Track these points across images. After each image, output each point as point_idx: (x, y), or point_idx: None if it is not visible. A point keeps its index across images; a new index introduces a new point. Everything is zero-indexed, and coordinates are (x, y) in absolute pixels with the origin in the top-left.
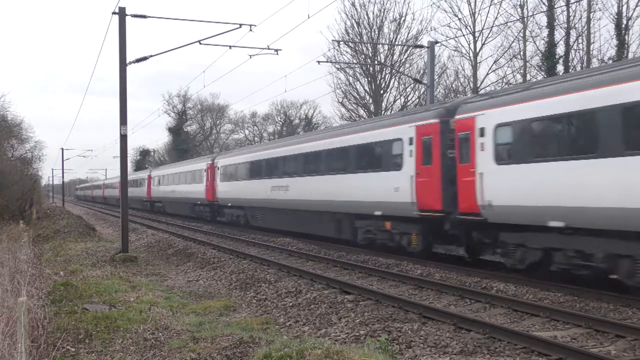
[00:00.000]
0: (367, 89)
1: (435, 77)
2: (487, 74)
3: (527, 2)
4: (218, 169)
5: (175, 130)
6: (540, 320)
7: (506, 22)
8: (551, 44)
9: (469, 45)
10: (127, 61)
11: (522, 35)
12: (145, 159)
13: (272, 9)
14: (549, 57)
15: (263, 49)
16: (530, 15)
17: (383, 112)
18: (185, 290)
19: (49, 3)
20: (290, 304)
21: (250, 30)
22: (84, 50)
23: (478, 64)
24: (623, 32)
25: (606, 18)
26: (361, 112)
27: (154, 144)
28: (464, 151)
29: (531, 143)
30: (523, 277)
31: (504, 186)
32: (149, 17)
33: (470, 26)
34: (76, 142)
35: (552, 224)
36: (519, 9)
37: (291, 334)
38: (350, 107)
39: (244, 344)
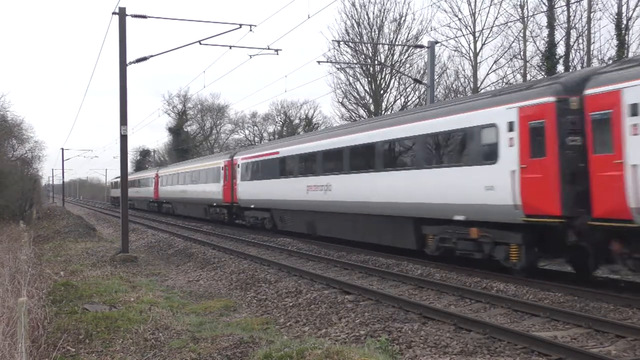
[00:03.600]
0: (367, 89)
1: (436, 77)
2: (487, 74)
3: (527, 2)
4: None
5: (175, 130)
6: (540, 320)
7: (506, 22)
8: (551, 44)
9: (469, 45)
10: (127, 61)
11: (522, 35)
12: (145, 159)
13: (272, 9)
14: (549, 57)
15: (263, 49)
16: (530, 15)
17: (383, 112)
18: (186, 290)
19: (49, 3)
20: (291, 304)
21: (250, 30)
22: (84, 50)
23: (478, 64)
24: (623, 32)
25: (606, 18)
26: (361, 112)
27: (154, 144)
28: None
29: None
30: (523, 277)
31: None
32: (149, 17)
33: (470, 26)
34: (76, 142)
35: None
36: (519, 9)
37: (291, 334)
38: (351, 107)
39: (244, 344)
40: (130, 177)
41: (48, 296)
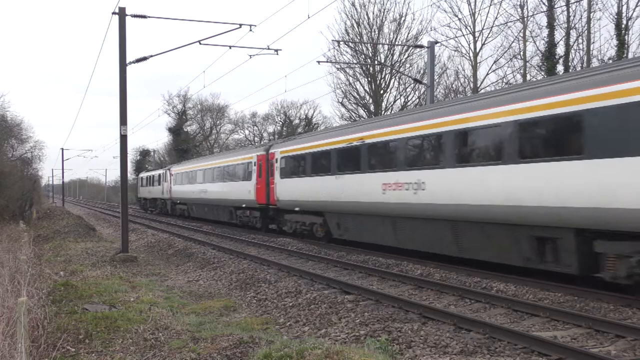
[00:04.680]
0: (367, 89)
1: (435, 77)
2: (487, 74)
3: (527, 2)
4: None
5: (175, 130)
6: (540, 320)
7: (506, 22)
8: (551, 44)
9: (469, 45)
10: (127, 61)
11: (522, 35)
12: (145, 159)
13: (272, 9)
14: (549, 57)
15: (263, 49)
16: (530, 15)
17: (383, 112)
18: (185, 290)
19: (49, 3)
20: (290, 304)
21: (250, 30)
22: (84, 50)
23: (478, 64)
24: (623, 32)
25: (606, 18)
26: (361, 112)
27: (154, 144)
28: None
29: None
30: (523, 277)
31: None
32: (149, 17)
33: (470, 26)
34: (76, 142)
35: (297, 209)
36: (519, 9)
37: (291, 334)
38: (350, 107)
39: (244, 344)
40: (180, 169)
41: (48, 296)
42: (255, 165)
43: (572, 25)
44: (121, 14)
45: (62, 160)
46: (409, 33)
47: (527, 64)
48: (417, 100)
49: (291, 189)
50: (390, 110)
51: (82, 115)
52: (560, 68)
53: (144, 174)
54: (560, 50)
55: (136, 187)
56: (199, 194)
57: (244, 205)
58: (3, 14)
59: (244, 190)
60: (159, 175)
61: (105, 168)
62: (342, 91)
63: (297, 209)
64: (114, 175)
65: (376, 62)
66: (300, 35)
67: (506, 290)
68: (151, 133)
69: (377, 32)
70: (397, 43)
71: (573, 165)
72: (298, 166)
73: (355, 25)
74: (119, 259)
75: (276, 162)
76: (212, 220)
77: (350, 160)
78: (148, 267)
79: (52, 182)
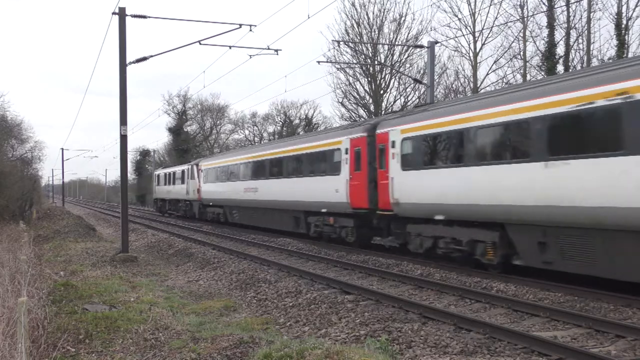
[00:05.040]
0: (367, 89)
1: (435, 77)
2: (487, 74)
3: (527, 2)
4: None
5: (175, 131)
6: (540, 320)
7: (506, 22)
8: (551, 44)
9: (469, 45)
10: (127, 61)
11: (522, 35)
12: (145, 159)
13: (272, 9)
14: (549, 57)
15: (263, 49)
16: (530, 15)
17: (383, 112)
18: (186, 290)
19: (49, 3)
20: (291, 304)
21: (250, 30)
22: (84, 50)
23: (478, 64)
24: (623, 32)
25: (606, 18)
26: (361, 112)
27: (154, 144)
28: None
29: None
30: (523, 277)
31: None
32: (149, 17)
33: (470, 26)
34: (76, 142)
35: (438, 217)
36: (519, 9)
37: (291, 334)
38: (350, 107)
39: (244, 344)
40: (213, 163)
41: (48, 296)
42: (347, 152)
43: (572, 25)
44: (121, 14)
45: (62, 160)
46: (409, 33)
47: (527, 64)
48: (417, 100)
49: (427, 187)
50: (390, 110)
51: (82, 115)
52: (560, 68)
53: (160, 171)
54: (560, 50)
55: (137, 187)
56: (243, 194)
57: (323, 210)
58: (3, 14)
59: (328, 189)
60: (182, 171)
61: (105, 168)
62: (342, 91)
63: (438, 217)
64: (114, 175)
65: (376, 62)
66: (300, 35)
67: (506, 290)
68: (151, 133)
69: (377, 32)
70: (397, 43)
71: None
72: (442, 150)
73: (355, 25)
74: (119, 259)
75: (392, 146)
76: (267, 229)
77: (588, 134)
78: (148, 267)
79: (52, 182)
